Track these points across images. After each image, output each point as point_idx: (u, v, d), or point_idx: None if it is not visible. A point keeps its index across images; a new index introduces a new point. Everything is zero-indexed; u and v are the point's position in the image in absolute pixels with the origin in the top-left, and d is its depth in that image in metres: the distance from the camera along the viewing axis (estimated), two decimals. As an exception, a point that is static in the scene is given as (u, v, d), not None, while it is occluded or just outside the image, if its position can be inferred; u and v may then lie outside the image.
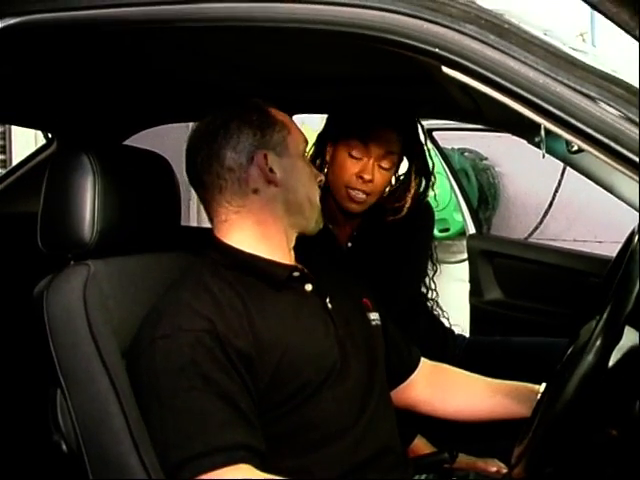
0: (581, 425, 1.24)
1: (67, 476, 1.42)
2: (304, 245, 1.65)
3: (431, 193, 2.37)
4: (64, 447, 1.37)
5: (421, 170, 2.29)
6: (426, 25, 1.09)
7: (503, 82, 1.05)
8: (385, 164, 2.15)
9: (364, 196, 2.15)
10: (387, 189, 2.27)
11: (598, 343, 1.15)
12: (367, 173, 2.12)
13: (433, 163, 2.35)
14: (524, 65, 1.04)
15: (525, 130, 2.30)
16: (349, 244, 2.30)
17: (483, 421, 1.84)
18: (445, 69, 1.11)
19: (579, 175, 2.62)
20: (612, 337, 1.16)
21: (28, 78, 1.89)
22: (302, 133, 1.65)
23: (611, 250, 3.12)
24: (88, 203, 1.47)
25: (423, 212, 2.38)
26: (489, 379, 1.85)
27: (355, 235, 2.30)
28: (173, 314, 1.42)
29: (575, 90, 1.02)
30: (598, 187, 2.57)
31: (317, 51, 1.71)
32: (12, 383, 2.14)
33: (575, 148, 2.08)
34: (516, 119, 2.19)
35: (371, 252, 2.25)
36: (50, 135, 2.59)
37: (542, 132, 1.99)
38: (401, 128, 2.18)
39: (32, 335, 1.44)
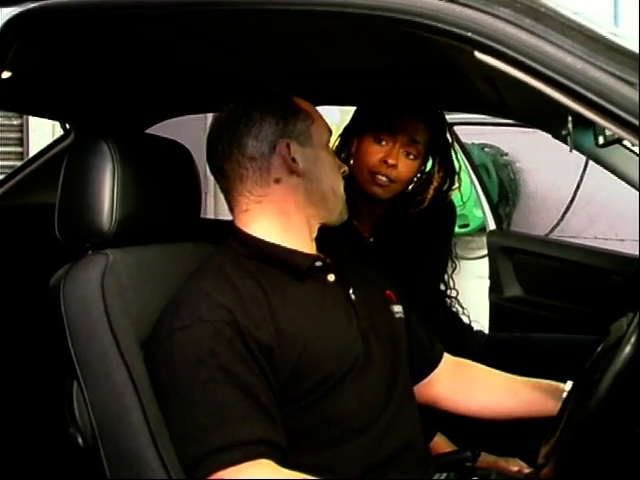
0: (614, 424, 1.20)
1: (83, 469, 1.39)
2: (327, 236, 1.62)
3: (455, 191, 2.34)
4: (80, 440, 1.34)
5: (445, 166, 2.26)
6: (459, 8, 1.05)
7: (539, 67, 1.01)
8: (410, 153, 2.13)
9: (388, 181, 2.12)
10: (410, 186, 2.25)
11: (633, 339, 1.11)
12: (392, 158, 2.10)
13: (460, 165, 2.32)
14: (561, 50, 1.00)
15: (550, 123, 2.26)
16: (371, 239, 2.28)
17: (507, 419, 1.80)
18: (478, 54, 1.07)
19: (601, 171, 2.57)
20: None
21: (46, 65, 1.87)
22: (326, 123, 1.62)
23: (633, 248, 3.09)
24: (107, 191, 1.44)
25: (445, 209, 2.36)
26: (513, 376, 1.81)
27: (377, 230, 2.28)
28: (192, 304, 1.40)
29: (614, 76, 0.97)
30: (620, 184, 2.53)
31: (344, 40, 1.68)
32: (29, 375, 2.12)
33: (602, 142, 2.04)
34: (541, 112, 2.18)
35: (392, 247, 2.22)
36: (68, 126, 2.57)
37: (569, 125, 1.95)
38: (428, 119, 2.17)
39: (49, 326, 1.42)
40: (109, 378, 1.34)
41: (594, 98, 0.98)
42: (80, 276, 1.40)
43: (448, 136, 2.29)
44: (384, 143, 2.12)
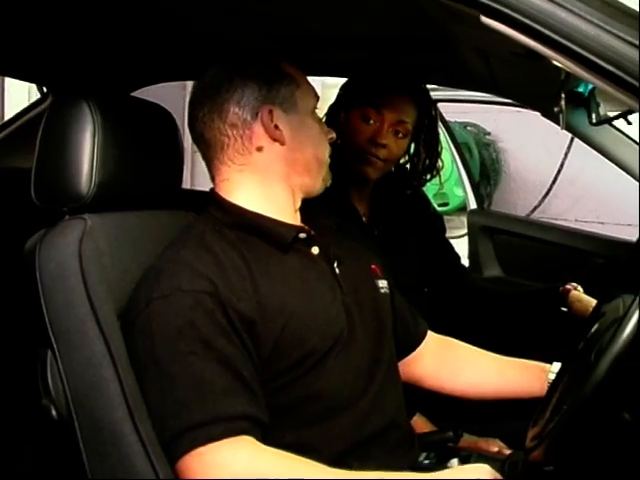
0: (610, 409, 1.17)
1: (56, 443, 1.34)
2: (313, 208, 1.58)
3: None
4: (53, 412, 1.30)
5: (428, 145, 2.23)
6: (466, -31, 1.00)
7: (551, 34, 0.95)
8: (399, 131, 2.10)
9: (378, 160, 2.08)
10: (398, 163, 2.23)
11: (633, 321, 1.07)
12: (381, 137, 2.06)
13: (441, 145, 2.29)
14: (576, 16, 0.94)
15: (540, 100, 2.24)
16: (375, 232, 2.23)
17: (491, 399, 1.78)
18: (484, 19, 1.02)
19: (584, 154, 2.55)
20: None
21: (18, 19, 1.79)
22: (313, 88, 1.57)
23: (613, 232, 3.08)
24: (87, 153, 1.39)
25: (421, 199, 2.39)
26: (499, 356, 1.79)
27: (371, 216, 2.24)
28: (172, 274, 1.35)
29: (632, 45, 0.92)
30: (603, 167, 2.51)
31: (338, 7, 1.62)
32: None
33: (596, 120, 2.01)
34: (532, 88, 2.14)
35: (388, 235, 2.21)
36: (45, 89, 2.50)
37: (562, 102, 1.92)
38: (415, 97, 2.13)
39: (22, 293, 1.37)
40: (85, 348, 1.29)
41: (610, 68, 0.93)
42: (56, 241, 1.35)
43: (434, 114, 2.26)
44: (372, 122, 2.08)
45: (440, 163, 2.28)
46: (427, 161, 2.24)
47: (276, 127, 1.48)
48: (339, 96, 2.22)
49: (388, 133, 2.07)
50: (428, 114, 2.21)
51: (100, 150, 1.40)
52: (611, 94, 0.95)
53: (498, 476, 1.32)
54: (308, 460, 1.28)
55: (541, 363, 1.72)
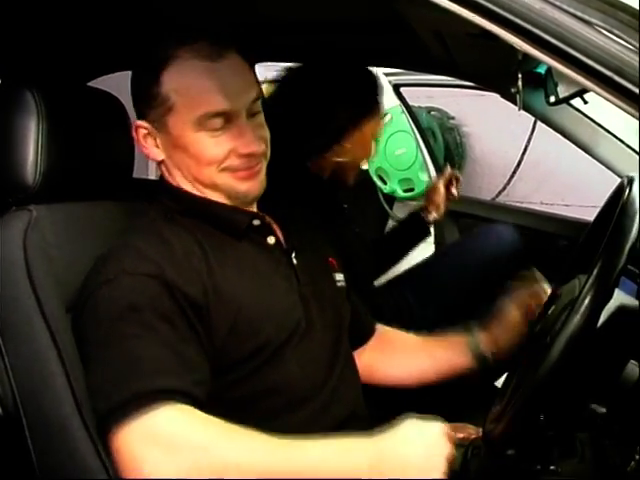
0: (566, 391, 1.16)
1: (4, 440, 1.31)
2: (274, 197, 1.52)
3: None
4: (0, 409, 1.27)
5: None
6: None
7: (494, 8, 0.93)
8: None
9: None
10: None
11: (587, 302, 1.06)
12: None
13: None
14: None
15: (499, 82, 2.22)
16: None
17: (430, 382, 1.72)
18: (429, -4, 0.99)
19: (548, 136, 2.54)
20: (603, 294, 1.07)
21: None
22: (205, 95, 1.39)
23: (578, 213, 3.08)
24: (31, 143, 1.37)
25: None
26: (425, 337, 1.75)
27: None
28: (118, 258, 1.32)
29: (576, 17, 0.90)
30: (567, 149, 2.50)
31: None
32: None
33: (553, 100, 2.00)
34: (490, 69, 2.12)
35: None
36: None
37: (519, 82, 1.90)
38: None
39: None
40: (32, 342, 1.27)
41: (553, 41, 0.90)
42: (1, 233, 1.32)
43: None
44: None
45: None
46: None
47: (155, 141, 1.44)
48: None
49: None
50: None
51: (45, 139, 1.38)
52: (561, 72, 0.93)
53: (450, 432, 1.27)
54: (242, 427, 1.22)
55: (459, 334, 1.70)
